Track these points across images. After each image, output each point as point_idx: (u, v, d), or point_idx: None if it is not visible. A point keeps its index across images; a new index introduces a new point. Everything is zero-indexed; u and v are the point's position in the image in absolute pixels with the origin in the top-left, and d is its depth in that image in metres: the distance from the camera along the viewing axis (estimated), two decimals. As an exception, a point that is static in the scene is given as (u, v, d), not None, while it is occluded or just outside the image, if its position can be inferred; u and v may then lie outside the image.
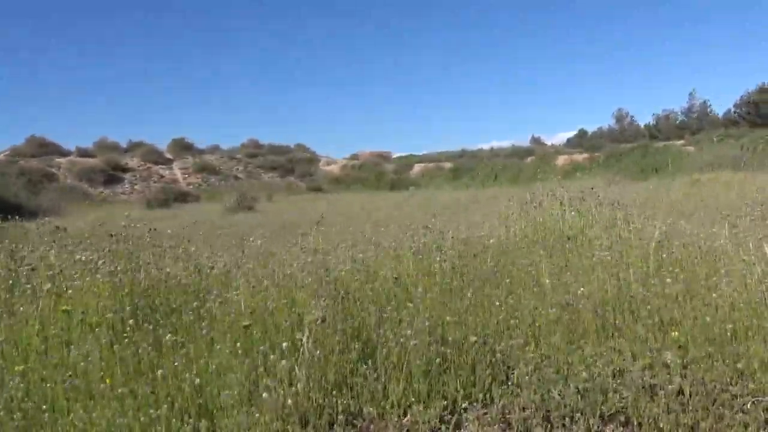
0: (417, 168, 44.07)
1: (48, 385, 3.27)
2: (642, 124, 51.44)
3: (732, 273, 4.55)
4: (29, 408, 3.08)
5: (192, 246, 6.36)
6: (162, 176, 39.53)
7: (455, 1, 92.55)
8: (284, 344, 3.42)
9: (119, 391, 3.16)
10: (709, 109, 48.86)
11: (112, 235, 5.32)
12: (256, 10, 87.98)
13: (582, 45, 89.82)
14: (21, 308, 4.15)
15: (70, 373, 3.35)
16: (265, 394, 3.07)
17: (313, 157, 47.90)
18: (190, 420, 3.02)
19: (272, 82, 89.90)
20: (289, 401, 3.07)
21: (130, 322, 3.91)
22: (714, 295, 4.24)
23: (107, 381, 3.27)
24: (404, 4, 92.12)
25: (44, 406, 3.10)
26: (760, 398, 3.19)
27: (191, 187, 38.15)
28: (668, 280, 4.58)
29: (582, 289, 4.58)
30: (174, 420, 3.00)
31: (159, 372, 3.26)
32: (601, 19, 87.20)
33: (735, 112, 44.94)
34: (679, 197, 11.65)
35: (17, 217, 9.50)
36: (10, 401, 3.13)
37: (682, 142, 38.37)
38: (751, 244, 4.97)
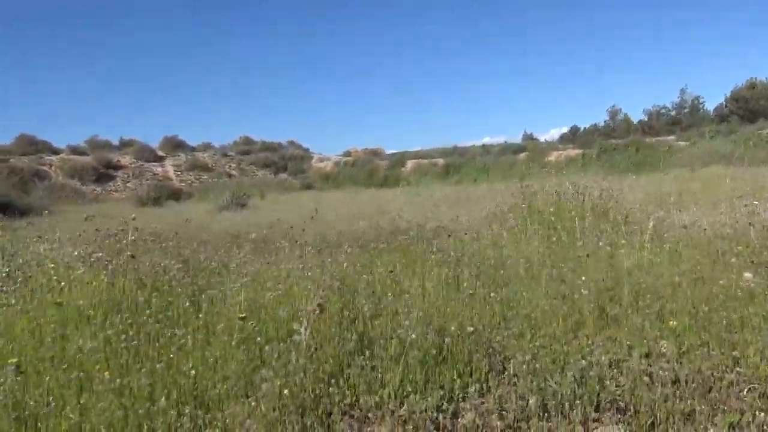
0: (410, 164, 44.02)
1: (45, 377, 3.24)
2: (635, 120, 51.57)
3: (726, 263, 4.57)
4: (26, 401, 3.06)
5: (187, 242, 6.35)
6: (154, 174, 39.38)
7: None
8: (281, 335, 3.41)
9: (116, 383, 3.14)
10: (700, 105, 49.01)
11: (97, 230, 5.32)
12: (247, 8, 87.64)
13: (574, 42, 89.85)
14: (14, 301, 4.13)
15: (66, 365, 3.33)
16: (262, 385, 3.06)
17: (305, 154, 47.83)
18: (188, 411, 3.01)
19: (265, 78, 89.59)
20: (286, 392, 3.06)
21: (126, 315, 3.88)
22: (709, 285, 4.26)
23: (105, 374, 3.24)
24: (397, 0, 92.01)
25: (41, 400, 3.07)
26: (755, 385, 3.21)
27: (184, 184, 38.01)
28: (663, 270, 4.60)
29: (581, 279, 4.57)
30: (171, 411, 2.99)
31: (157, 365, 3.24)
32: (593, 16, 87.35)
33: (726, 107, 45.09)
34: (671, 191, 11.70)
35: (6, 216, 9.49)
36: (6, 395, 3.09)
37: (673, 137, 38.48)
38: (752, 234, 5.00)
